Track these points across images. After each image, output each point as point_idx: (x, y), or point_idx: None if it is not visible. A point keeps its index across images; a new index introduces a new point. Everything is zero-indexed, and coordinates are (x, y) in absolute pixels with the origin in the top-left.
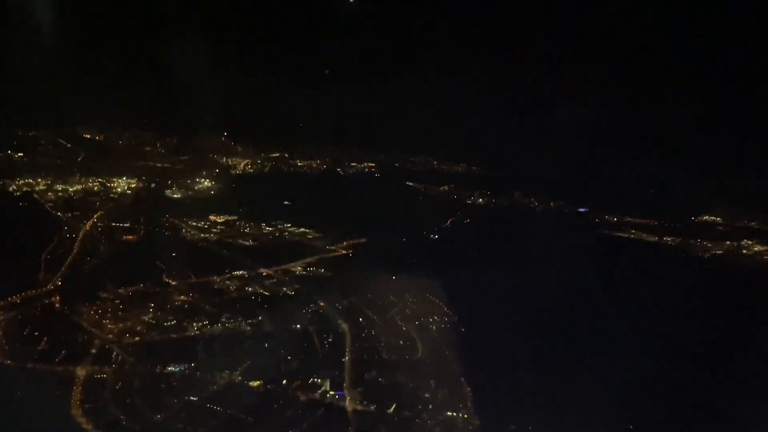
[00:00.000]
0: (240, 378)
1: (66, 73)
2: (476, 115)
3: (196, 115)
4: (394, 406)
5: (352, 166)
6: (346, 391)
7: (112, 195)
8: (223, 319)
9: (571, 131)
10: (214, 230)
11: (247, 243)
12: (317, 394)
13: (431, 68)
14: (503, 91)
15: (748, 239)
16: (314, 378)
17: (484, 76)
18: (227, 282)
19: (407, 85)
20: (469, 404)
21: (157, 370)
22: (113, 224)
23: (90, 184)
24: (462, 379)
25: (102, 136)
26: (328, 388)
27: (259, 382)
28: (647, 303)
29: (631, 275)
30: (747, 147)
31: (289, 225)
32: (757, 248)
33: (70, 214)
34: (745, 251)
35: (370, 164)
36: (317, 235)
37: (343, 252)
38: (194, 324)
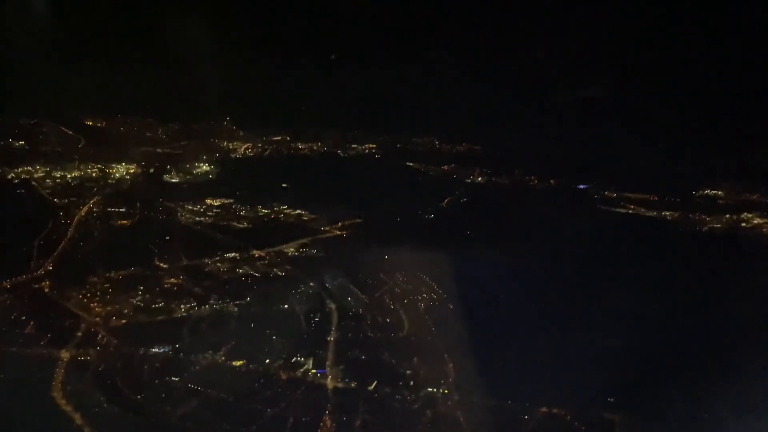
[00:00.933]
0: (223, 358)
1: (69, 60)
2: (477, 93)
3: (199, 100)
4: (375, 384)
5: (353, 147)
6: (327, 369)
7: (109, 181)
8: (211, 301)
9: (574, 107)
10: (210, 213)
11: (241, 225)
12: (299, 373)
13: (433, 48)
14: (504, 68)
15: (748, 212)
16: (297, 357)
17: (485, 54)
18: (218, 264)
19: (409, 66)
20: (450, 380)
21: (141, 352)
22: (109, 209)
23: (89, 171)
24: (445, 355)
25: (104, 123)
26: (310, 367)
27: (241, 362)
28: (642, 278)
29: (627, 251)
30: (748, 119)
31: (285, 207)
32: (756, 221)
33: (66, 201)
34: (744, 224)
35: (371, 146)
36: (313, 216)
37: (338, 232)
38: (182, 306)
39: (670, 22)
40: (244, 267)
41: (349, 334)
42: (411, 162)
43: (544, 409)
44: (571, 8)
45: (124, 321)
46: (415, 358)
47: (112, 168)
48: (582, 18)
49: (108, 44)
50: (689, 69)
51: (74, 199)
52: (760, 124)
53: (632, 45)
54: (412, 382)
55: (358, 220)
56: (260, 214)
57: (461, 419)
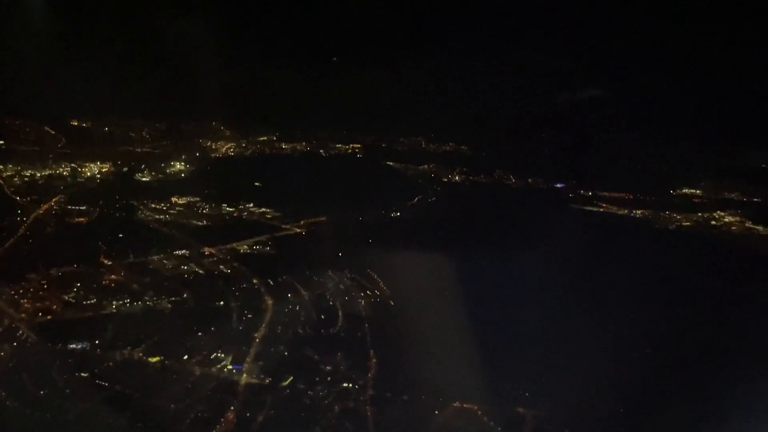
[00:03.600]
0: (140, 354)
1: (60, 61)
2: (466, 94)
3: (189, 101)
4: (290, 379)
5: (336, 147)
6: (246, 366)
7: (78, 179)
8: (146, 298)
9: (557, 108)
10: (172, 212)
11: (200, 223)
12: (214, 369)
13: (424, 50)
14: (494, 69)
15: (720, 211)
16: (218, 353)
17: (470, 56)
18: (165, 261)
19: (397, 67)
20: (369, 376)
21: (58, 347)
22: (69, 207)
23: (60, 170)
24: (371, 352)
25: (89, 124)
26: (228, 363)
27: (158, 358)
28: (609, 278)
29: (595, 250)
30: (731, 118)
31: (250, 205)
32: (726, 219)
33: (28, 199)
34: (714, 222)
35: (354, 145)
36: (276, 214)
37: (297, 231)
38: (114, 302)
39: (651, 24)
40: (191, 264)
41: (279, 330)
42: (392, 161)
43: (456, 404)
44: (557, 12)
45: (49, 317)
46: (338, 354)
47: (85, 167)
48: (568, 21)
49: (99, 45)
50: (678, 69)
51: (36, 197)
52: (744, 122)
53: (615, 48)
54: (329, 378)
55: (321, 219)
56: (223, 212)
57: (369, 414)
